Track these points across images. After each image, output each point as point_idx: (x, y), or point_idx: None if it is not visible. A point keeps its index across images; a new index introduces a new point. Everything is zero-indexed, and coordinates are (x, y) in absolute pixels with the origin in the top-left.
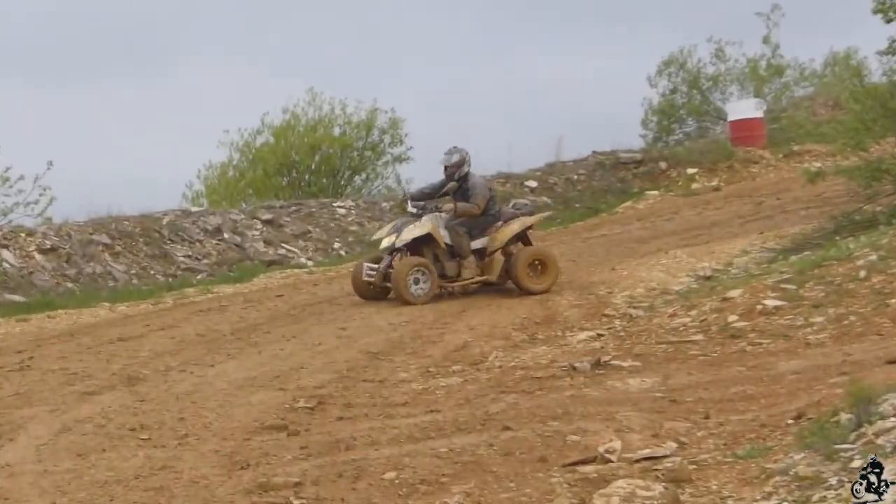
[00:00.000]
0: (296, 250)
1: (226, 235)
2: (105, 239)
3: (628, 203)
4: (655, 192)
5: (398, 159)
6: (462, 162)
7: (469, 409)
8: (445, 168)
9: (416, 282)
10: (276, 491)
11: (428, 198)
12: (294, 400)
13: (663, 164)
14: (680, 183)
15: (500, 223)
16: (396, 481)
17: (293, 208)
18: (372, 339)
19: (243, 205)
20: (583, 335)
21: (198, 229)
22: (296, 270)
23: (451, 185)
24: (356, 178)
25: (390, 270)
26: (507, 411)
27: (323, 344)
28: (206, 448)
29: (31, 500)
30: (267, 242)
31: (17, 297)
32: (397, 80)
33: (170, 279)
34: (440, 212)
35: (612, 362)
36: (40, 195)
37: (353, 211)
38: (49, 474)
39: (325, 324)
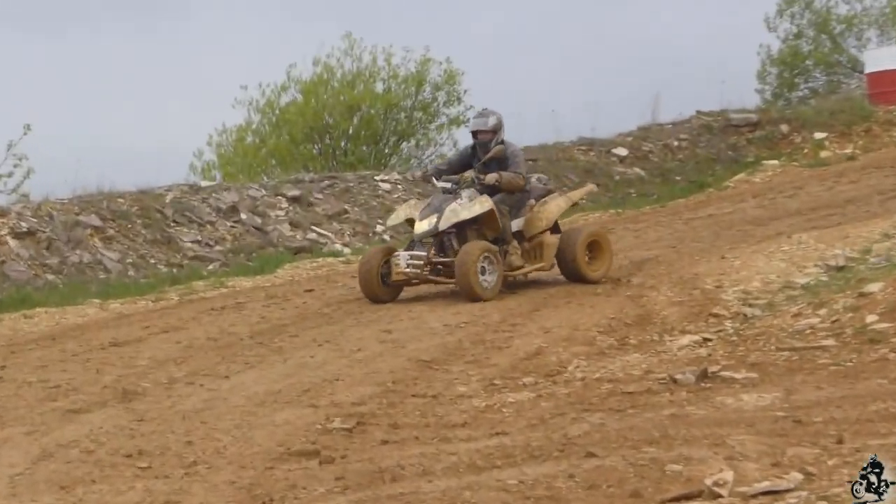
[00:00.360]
0: (329, 234)
1: (243, 216)
2: (94, 220)
3: (741, 175)
4: (775, 162)
5: (455, 122)
6: (499, 126)
7: (544, 432)
8: (477, 134)
9: (482, 272)
10: None
11: (459, 171)
12: (327, 419)
13: (785, 127)
14: (805, 150)
15: (532, 201)
16: None
17: (326, 183)
18: (423, 343)
19: (265, 178)
20: (685, 340)
21: (209, 208)
22: (329, 259)
23: (498, 147)
24: (403, 145)
25: (442, 259)
26: (591, 434)
27: (363, 350)
28: (220, 479)
29: None
30: (294, 225)
31: None
32: (453, 24)
33: (174, 270)
34: (482, 184)
35: (722, 373)
36: (15, 166)
37: (399, 186)
38: None
39: (366, 325)
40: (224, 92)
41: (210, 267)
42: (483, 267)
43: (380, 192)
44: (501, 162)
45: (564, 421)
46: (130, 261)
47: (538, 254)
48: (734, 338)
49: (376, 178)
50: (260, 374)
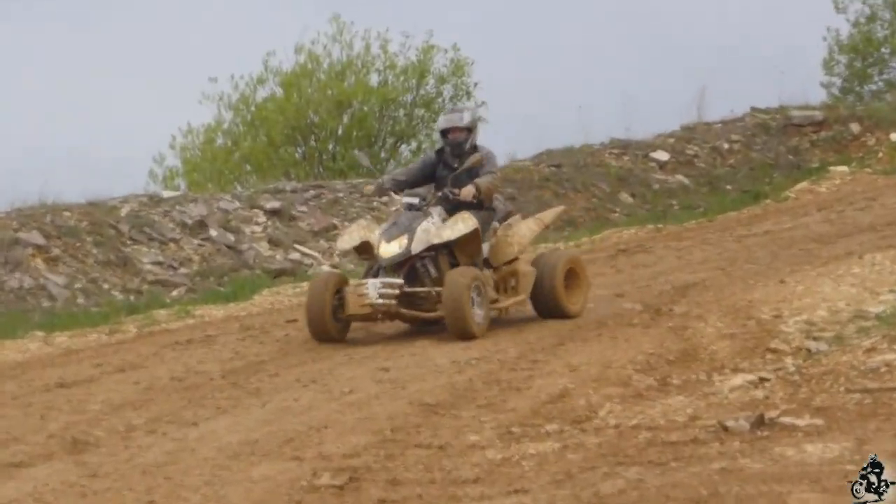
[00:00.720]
0: (315, 254)
1: (213, 233)
2: (36, 238)
3: (804, 184)
4: (844, 168)
5: None
6: (475, 123)
7: (571, 489)
8: (447, 133)
9: (471, 303)
10: None
11: (421, 183)
12: (314, 474)
13: (855, 127)
14: (880, 154)
15: (496, 223)
16: None
17: (311, 193)
18: (427, 384)
19: (238, 188)
20: (738, 380)
21: (172, 224)
22: None
23: (476, 157)
24: (402, 147)
25: (418, 289)
26: (627, 492)
27: (355, 392)
28: None
29: None
30: (273, 243)
31: None
32: (460, 4)
33: (132, 297)
34: (456, 200)
35: (782, 420)
36: None
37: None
38: None
39: (359, 362)
40: (189, 85)
41: (174, 293)
42: (472, 298)
43: (374, 203)
44: (473, 172)
45: (595, 476)
46: (79, 286)
47: (512, 285)
48: (796, 377)
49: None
50: (234, 421)
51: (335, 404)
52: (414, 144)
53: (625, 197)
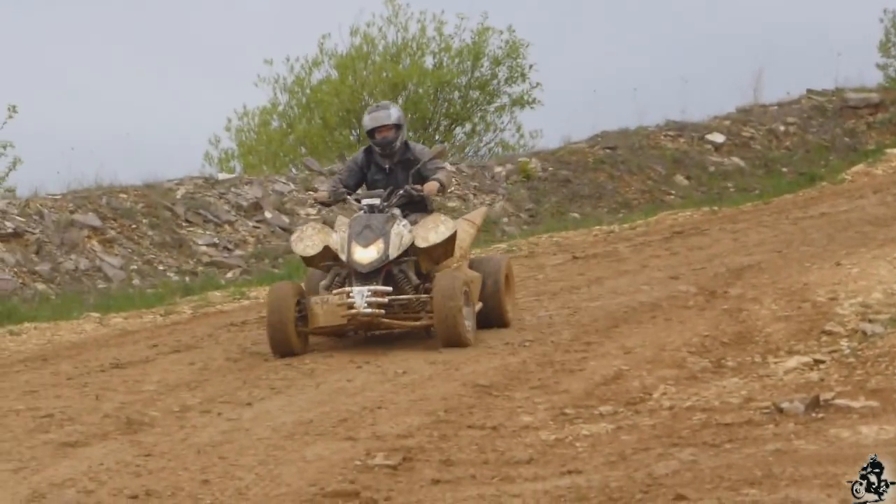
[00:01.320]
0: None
1: (268, 215)
2: (93, 220)
3: (860, 166)
4: None
5: (519, 102)
6: (403, 119)
7: (624, 470)
8: (375, 133)
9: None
10: None
11: (355, 188)
12: (368, 454)
13: None
14: None
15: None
16: None
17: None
18: (481, 366)
19: (293, 170)
20: (793, 361)
21: (227, 206)
22: None
23: (438, 148)
24: (457, 130)
25: (414, 298)
26: (681, 473)
27: (409, 373)
28: None
29: None
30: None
31: None
32: None
33: (187, 278)
34: (419, 196)
35: (837, 401)
36: None
37: (452, 178)
38: None
39: (412, 344)
40: (245, 68)
41: (229, 275)
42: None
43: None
44: (407, 166)
45: (649, 457)
46: (135, 267)
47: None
48: (851, 359)
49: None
50: (288, 401)
51: (389, 385)
52: (468, 126)
53: (680, 179)
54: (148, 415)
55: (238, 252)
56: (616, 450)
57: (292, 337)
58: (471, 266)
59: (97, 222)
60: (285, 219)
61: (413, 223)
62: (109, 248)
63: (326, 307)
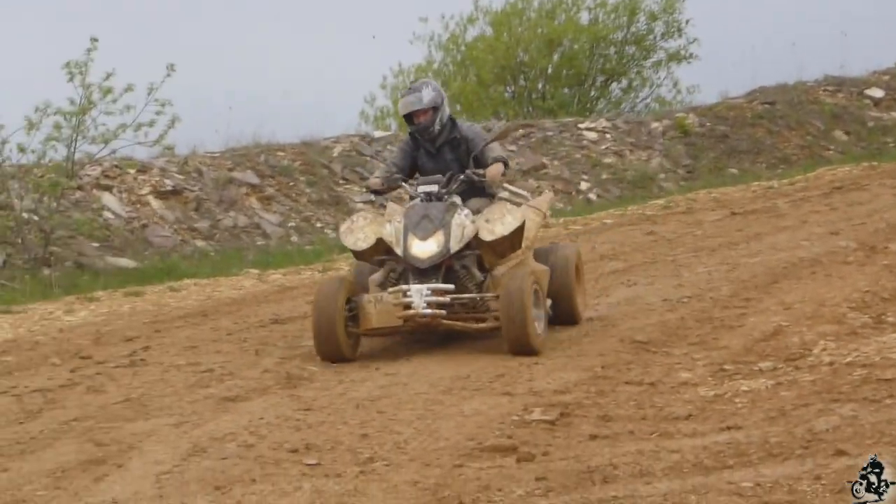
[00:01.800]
0: (524, 193)
1: None
2: (251, 177)
3: None
4: None
5: (674, 58)
6: (440, 99)
7: (784, 426)
8: (412, 118)
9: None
10: None
11: (410, 175)
12: (525, 410)
13: None
14: None
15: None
16: None
17: (521, 132)
18: (638, 322)
19: None
20: None
21: (383, 163)
22: None
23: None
24: (613, 86)
25: (479, 297)
26: (842, 429)
27: (566, 329)
28: (400, 478)
29: None
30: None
31: (125, 262)
32: None
33: None
34: (481, 182)
35: None
36: (157, 114)
37: (607, 135)
38: None
39: None
40: (400, 25)
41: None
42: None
43: (584, 142)
44: (455, 146)
45: (809, 413)
46: (293, 224)
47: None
48: None
49: (580, 125)
50: (445, 357)
51: (546, 341)
52: (624, 82)
53: (839, 134)
54: (307, 369)
55: None
56: (775, 406)
57: (342, 340)
58: (536, 257)
59: (255, 180)
60: None
61: (475, 212)
62: (267, 206)
63: (380, 307)
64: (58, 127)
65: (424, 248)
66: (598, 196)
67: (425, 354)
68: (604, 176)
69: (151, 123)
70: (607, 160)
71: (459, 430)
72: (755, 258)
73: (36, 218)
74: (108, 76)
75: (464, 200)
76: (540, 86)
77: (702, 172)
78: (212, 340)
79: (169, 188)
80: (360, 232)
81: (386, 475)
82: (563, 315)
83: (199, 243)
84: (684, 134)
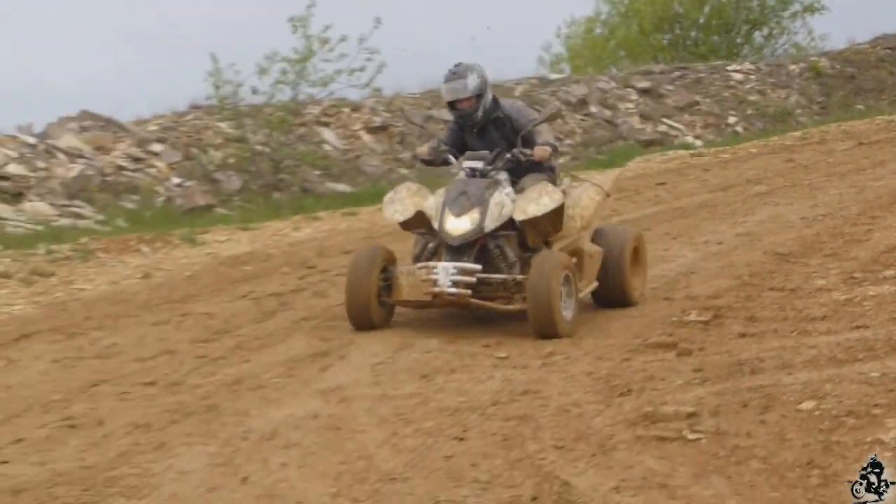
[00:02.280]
0: (680, 127)
1: (593, 109)
2: (446, 115)
3: None
4: None
5: (809, 9)
6: (484, 85)
7: None
8: (455, 105)
9: (560, 296)
10: (665, 423)
11: (461, 150)
12: (683, 312)
13: None
14: None
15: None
16: (816, 413)
17: (676, 74)
18: (779, 237)
19: (614, 70)
20: None
21: (558, 102)
22: (680, 152)
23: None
24: (755, 34)
25: (508, 278)
26: None
27: (717, 243)
28: (577, 369)
29: (367, 430)
30: (644, 117)
31: (341, 187)
32: None
33: None
34: (528, 161)
35: None
36: (367, 60)
37: (752, 76)
38: (388, 399)
39: (720, 218)
40: None
41: (560, 161)
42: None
43: (731, 82)
44: (500, 125)
45: None
46: None
47: (577, 269)
48: None
49: (728, 68)
50: None
51: (699, 254)
52: (765, 31)
53: None
54: None
55: (568, 141)
56: None
57: (373, 309)
58: (594, 238)
59: (449, 117)
60: (607, 112)
61: (520, 191)
62: None
63: (411, 280)
64: (284, 72)
65: (458, 225)
66: (744, 129)
67: None
68: (748, 111)
69: (362, 69)
70: (751, 98)
71: (627, 329)
72: (880, 182)
73: (267, 150)
74: (326, 28)
75: (519, 177)
76: (693, 34)
77: (832, 108)
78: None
79: (377, 124)
80: (399, 203)
81: (565, 367)
82: (615, 298)
83: (403, 171)
84: (817, 75)
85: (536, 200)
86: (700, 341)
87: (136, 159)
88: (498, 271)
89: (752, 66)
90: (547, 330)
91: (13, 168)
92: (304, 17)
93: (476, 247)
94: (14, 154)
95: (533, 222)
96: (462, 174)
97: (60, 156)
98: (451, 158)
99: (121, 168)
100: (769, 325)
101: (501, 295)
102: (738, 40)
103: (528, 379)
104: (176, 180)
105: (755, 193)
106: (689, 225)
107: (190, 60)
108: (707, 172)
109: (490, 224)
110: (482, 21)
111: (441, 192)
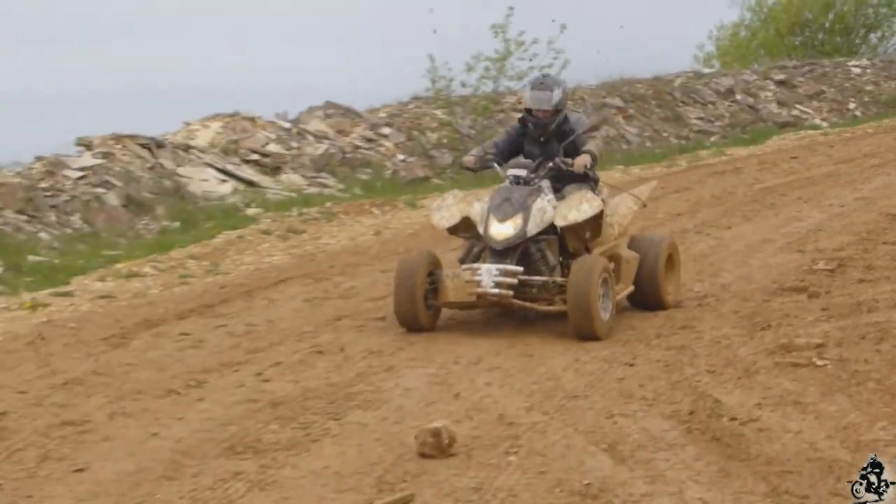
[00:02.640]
0: (809, 111)
1: (738, 97)
2: (618, 102)
3: None
4: None
5: None
6: (564, 101)
7: None
8: (532, 112)
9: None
10: (798, 352)
11: (510, 157)
12: (813, 262)
13: None
14: None
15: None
16: None
17: (806, 68)
18: (892, 201)
19: (755, 65)
20: None
21: (710, 91)
22: (809, 132)
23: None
24: (871, 35)
25: (549, 280)
26: None
27: (840, 206)
28: (726, 309)
29: (555, 357)
30: (780, 103)
31: None
32: None
33: (682, 141)
34: (569, 171)
35: None
36: (554, 59)
37: (868, 70)
38: None
39: (842, 186)
40: None
41: (711, 139)
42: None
43: (851, 75)
44: (563, 137)
45: None
46: (647, 134)
47: (614, 273)
48: None
49: (848, 63)
50: (755, 226)
51: (826, 215)
52: (880, 33)
53: None
54: None
55: (717, 123)
56: None
57: (420, 312)
58: (631, 244)
59: (621, 104)
60: (750, 99)
61: (562, 198)
62: (629, 122)
63: (456, 282)
64: (487, 69)
65: (501, 230)
66: (862, 113)
67: (741, 224)
68: (865, 99)
69: (550, 66)
70: (868, 88)
71: (767, 276)
72: None
73: (473, 132)
74: (521, 33)
75: (562, 186)
76: (819, 36)
77: None
78: None
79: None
80: (446, 210)
81: (716, 307)
82: (650, 301)
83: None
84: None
85: (577, 207)
86: (826, 286)
87: (369, 140)
88: (539, 274)
89: (868, 62)
90: (585, 330)
91: (272, 147)
92: (503, 24)
93: (518, 250)
94: (273, 136)
95: (573, 228)
96: (506, 181)
97: (310, 137)
98: (496, 167)
99: (357, 147)
100: (883, 272)
101: (542, 297)
102: (857, 41)
103: (685, 317)
104: (400, 157)
105: (871, 165)
106: (816, 191)
107: (408, 58)
108: (831, 148)
109: (532, 229)
110: (647, 23)
111: (486, 198)
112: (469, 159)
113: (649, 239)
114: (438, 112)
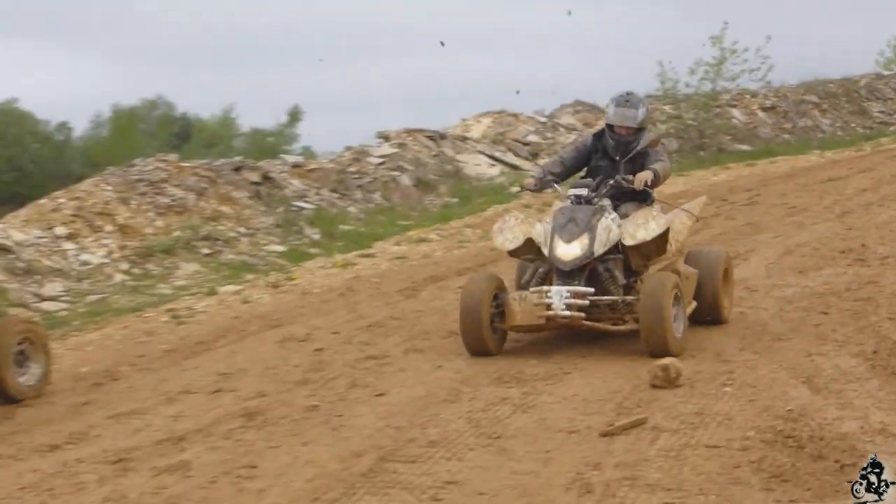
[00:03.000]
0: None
1: None
2: (814, 98)
3: None
4: None
5: None
6: (646, 122)
7: None
8: (614, 129)
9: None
10: None
11: (574, 172)
12: None
13: None
14: None
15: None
16: None
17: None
18: None
19: None
20: None
21: (889, 89)
22: None
23: (653, 136)
24: None
25: (619, 300)
26: None
27: None
28: None
29: (765, 308)
30: None
31: (744, 147)
32: None
33: (867, 131)
34: (631, 188)
35: None
36: (761, 63)
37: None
38: (777, 288)
39: None
40: None
41: (892, 129)
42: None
43: None
44: (634, 159)
45: None
46: (838, 125)
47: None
48: None
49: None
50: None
51: None
52: None
53: None
54: (848, 206)
55: None
56: None
57: (487, 337)
58: (687, 260)
59: (816, 100)
60: None
61: (624, 216)
62: (823, 115)
63: (524, 305)
64: (706, 72)
65: (568, 251)
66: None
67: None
68: None
69: (758, 69)
70: None
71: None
72: None
73: (695, 123)
74: (735, 42)
75: (621, 203)
76: None
77: None
78: (794, 191)
79: (768, 105)
80: (509, 232)
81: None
82: (709, 316)
83: (786, 136)
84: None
85: (644, 226)
86: None
87: None
88: (608, 294)
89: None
90: (659, 348)
91: (532, 137)
92: (719, 36)
93: (586, 271)
94: (532, 129)
95: (639, 246)
96: (567, 201)
97: (561, 129)
98: (557, 187)
99: None
100: None
101: (610, 316)
102: None
103: (870, 273)
104: None
105: None
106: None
107: (634, 62)
108: None
109: (599, 249)
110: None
111: (548, 219)
112: (529, 181)
113: (705, 254)
114: (666, 107)
